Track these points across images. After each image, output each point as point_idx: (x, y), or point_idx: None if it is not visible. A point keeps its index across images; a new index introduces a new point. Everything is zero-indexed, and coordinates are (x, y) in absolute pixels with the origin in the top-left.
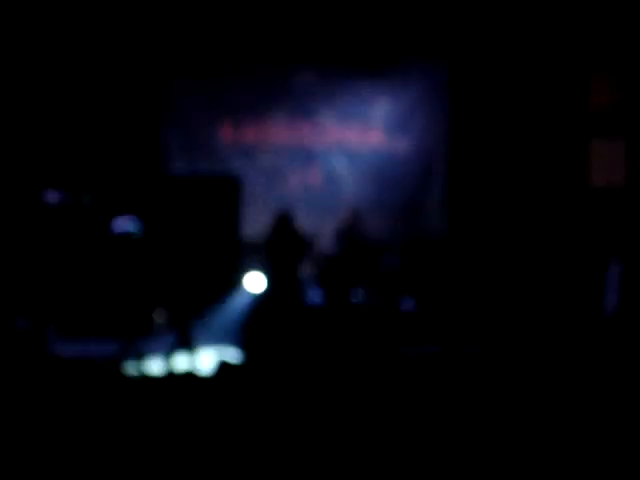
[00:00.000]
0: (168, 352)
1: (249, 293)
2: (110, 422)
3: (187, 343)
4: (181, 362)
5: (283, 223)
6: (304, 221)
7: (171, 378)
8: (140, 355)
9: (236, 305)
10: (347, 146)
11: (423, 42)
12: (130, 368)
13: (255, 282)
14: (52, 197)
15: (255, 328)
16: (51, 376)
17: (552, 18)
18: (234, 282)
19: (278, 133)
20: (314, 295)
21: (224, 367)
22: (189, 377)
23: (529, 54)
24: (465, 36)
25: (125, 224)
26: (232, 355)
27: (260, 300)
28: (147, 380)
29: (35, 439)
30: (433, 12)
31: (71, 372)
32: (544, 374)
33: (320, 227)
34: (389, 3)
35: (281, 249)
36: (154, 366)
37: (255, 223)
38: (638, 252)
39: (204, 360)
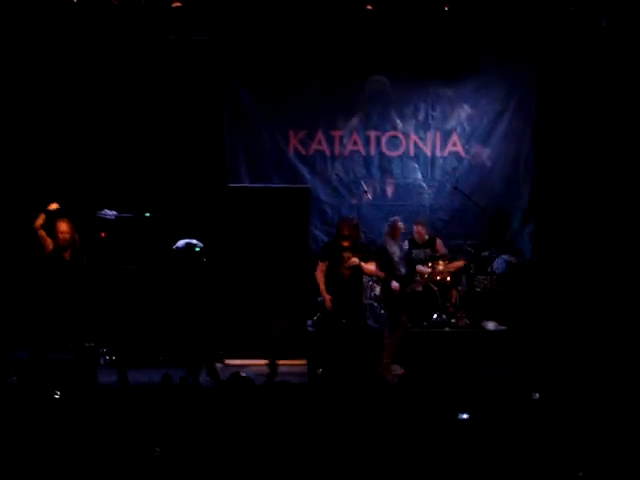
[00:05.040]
0: None
1: None
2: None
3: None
4: None
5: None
6: (374, 230)
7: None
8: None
9: None
10: (424, 154)
11: (509, 43)
12: None
13: None
14: (111, 213)
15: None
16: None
17: None
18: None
19: (350, 142)
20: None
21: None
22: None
23: (621, 53)
24: (555, 35)
25: (188, 240)
26: None
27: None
28: None
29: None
30: (518, 12)
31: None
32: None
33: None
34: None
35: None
36: None
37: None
38: None
39: None
